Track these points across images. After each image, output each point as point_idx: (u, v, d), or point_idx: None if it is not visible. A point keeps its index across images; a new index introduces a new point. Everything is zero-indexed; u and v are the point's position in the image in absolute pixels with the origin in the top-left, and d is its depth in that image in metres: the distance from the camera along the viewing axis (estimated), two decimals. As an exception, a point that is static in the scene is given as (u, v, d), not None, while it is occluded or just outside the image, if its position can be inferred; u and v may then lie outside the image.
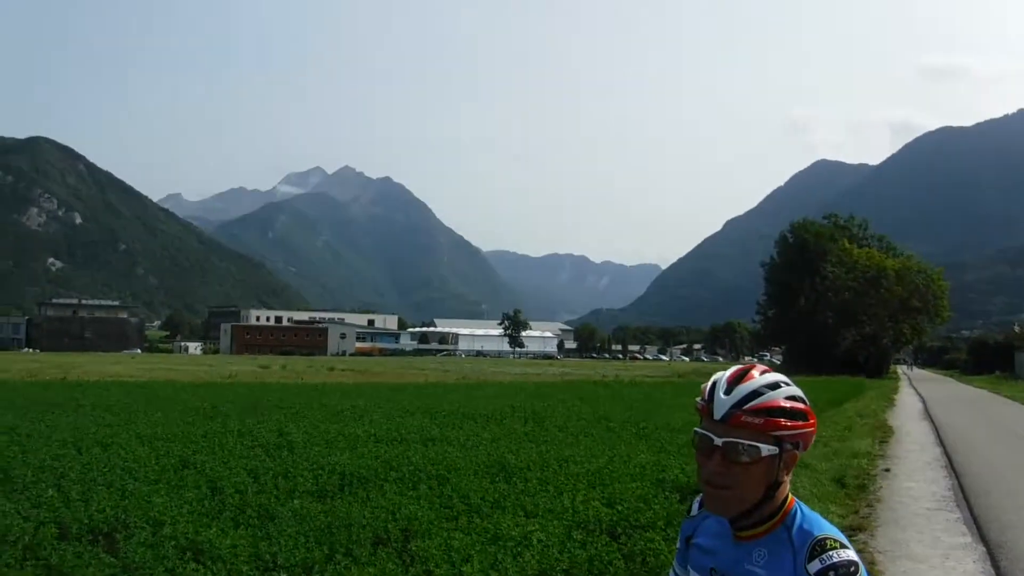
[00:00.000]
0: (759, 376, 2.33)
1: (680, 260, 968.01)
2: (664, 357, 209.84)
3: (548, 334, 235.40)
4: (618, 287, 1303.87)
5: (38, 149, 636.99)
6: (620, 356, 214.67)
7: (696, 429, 2.36)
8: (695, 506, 2.54)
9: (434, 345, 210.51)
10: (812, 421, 2.31)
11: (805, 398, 2.33)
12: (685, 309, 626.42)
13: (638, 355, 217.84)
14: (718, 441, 2.28)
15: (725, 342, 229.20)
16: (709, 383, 2.39)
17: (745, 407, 2.28)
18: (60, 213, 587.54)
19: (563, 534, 9.41)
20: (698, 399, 2.39)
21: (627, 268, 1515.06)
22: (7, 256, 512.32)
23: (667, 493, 11.69)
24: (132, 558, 8.56)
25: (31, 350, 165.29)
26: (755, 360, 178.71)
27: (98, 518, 10.17)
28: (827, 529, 2.24)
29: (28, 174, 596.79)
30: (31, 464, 14.32)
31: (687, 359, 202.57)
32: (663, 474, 13.27)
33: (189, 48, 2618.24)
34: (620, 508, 10.55)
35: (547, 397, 35.21)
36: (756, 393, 2.29)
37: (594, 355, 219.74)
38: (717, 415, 2.31)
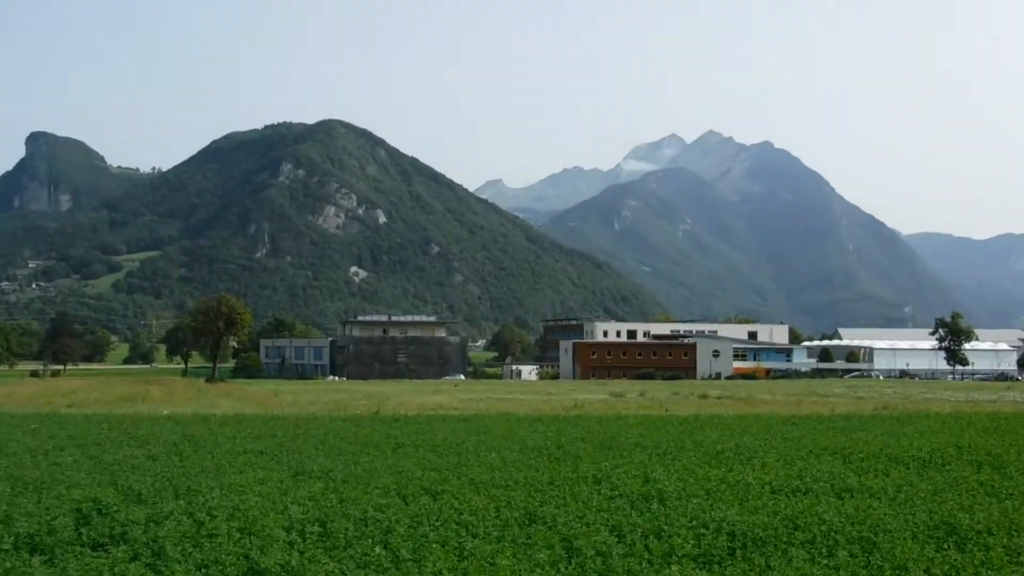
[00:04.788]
0: None
1: None
2: None
3: (1003, 346, 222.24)
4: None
5: (331, 135, 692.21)
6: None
7: None
8: None
9: (840, 363, 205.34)
10: None
11: None
12: None
13: None
14: None
15: None
16: None
17: None
18: (360, 211, 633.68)
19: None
20: None
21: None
22: (304, 266, 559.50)
23: None
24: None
25: (336, 378, 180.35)
26: None
27: (435, 582, 10.94)
28: None
29: (321, 166, 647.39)
30: (352, 516, 15.69)
31: None
32: None
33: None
34: None
35: (1008, 432, 33.43)
36: None
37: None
38: None
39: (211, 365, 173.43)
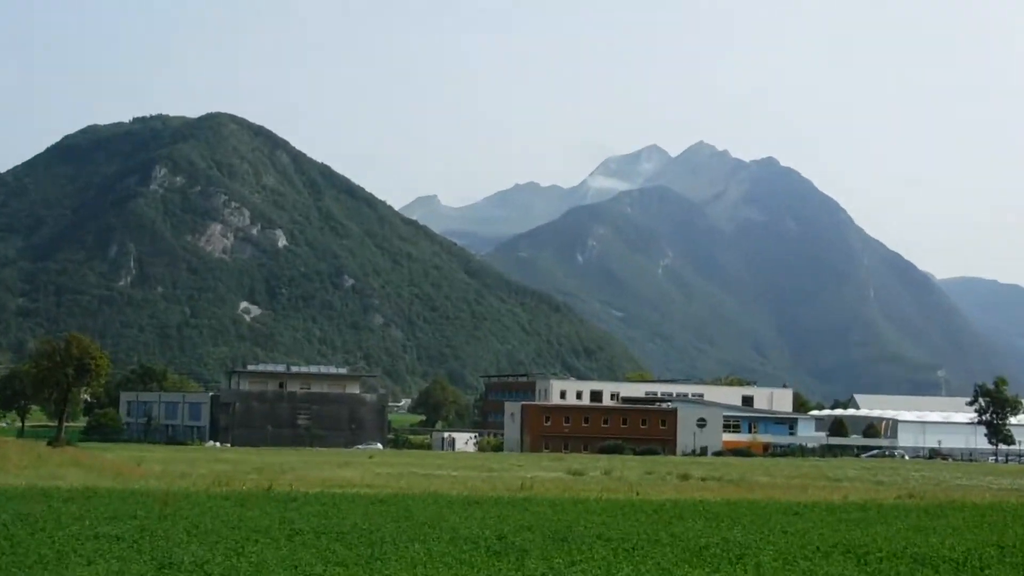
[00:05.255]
0: None
1: None
2: None
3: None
4: None
5: (219, 132, 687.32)
6: None
7: None
8: None
9: (855, 439, 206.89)
10: None
11: None
12: None
13: None
14: None
15: None
16: None
17: None
18: (254, 232, 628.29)
19: None
20: None
21: None
22: (179, 300, 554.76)
23: None
24: None
25: (217, 443, 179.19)
26: None
27: None
28: None
29: (205, 172, 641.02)
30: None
31: None
32: None
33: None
34: None
35: (1064, 530, 33.78)
36: None
37: None
38: None
39: (56, 424, 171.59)
